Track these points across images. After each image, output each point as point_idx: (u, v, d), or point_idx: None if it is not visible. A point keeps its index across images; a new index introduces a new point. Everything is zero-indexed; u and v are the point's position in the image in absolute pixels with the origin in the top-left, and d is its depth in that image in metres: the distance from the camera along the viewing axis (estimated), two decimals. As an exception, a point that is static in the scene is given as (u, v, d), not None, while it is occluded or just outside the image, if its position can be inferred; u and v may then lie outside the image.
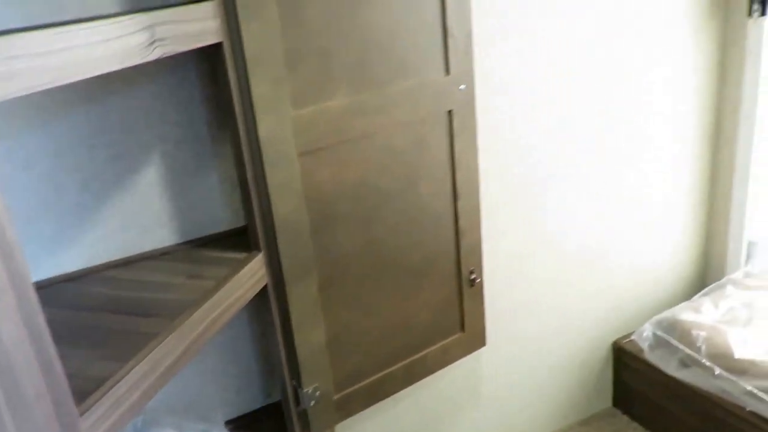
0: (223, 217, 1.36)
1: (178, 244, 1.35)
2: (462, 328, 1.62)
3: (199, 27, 1.06)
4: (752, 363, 1.66)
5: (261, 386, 1.51)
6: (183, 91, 1.25)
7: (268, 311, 1.33)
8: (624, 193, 1.92)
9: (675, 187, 2.04)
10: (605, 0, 1.68)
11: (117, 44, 0.92)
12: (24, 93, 0.77)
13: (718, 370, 1.71)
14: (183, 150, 1.28)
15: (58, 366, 0.74)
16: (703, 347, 1.75)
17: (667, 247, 2.08)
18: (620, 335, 2.04)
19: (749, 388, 1.63)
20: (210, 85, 1.28)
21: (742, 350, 1.70)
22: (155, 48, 0.99)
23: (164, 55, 1.02)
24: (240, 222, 1.39)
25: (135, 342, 1.01)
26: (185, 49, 1.07)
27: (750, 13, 1.85)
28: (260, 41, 1.14)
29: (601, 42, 1.72)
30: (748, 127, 1.96)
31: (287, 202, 1.25)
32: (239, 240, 1.35)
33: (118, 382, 0.92)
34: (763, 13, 1.83)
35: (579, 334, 1.99)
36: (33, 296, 0.68)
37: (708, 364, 1.73)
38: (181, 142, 1.28)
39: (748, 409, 1.62)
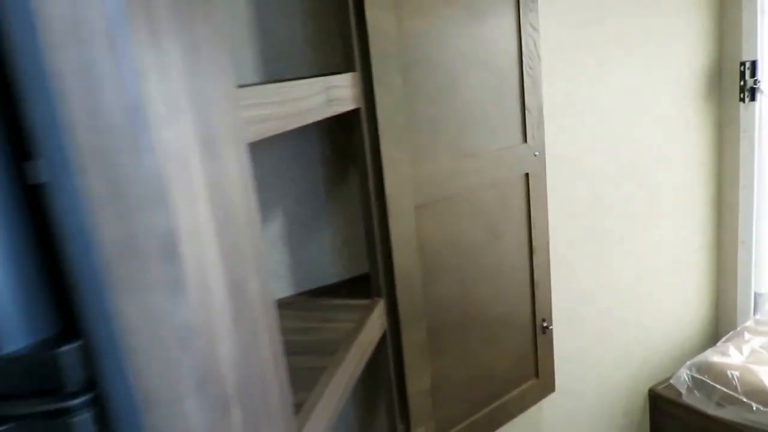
0: (332, 270, 1.44)
1: (295, 295, 1.41)
2: (537, 374, 1.70)
3: (348, 93, 1.19)
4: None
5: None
6: (305, 152, 1.36)
7: (383, 356, 1.39)
8: (647, 254, 2.10)
9: (686, 249, 2.20)
10: (631, 89, 1.92)
11: (315, 100, 1.04)
12: (269, 134, 0.87)
13: (755, 406, 1.84)
14: (302, 206, 1.37)
15: (287, 385, 0.79)
16: (738, 385, 1.88)
17: (684, 302, 2.20)
18: (652, 383, 2.13)
19: (789, 418, 1.77)
20: (329, 146, 1.39)
21: (765, 385, 1.87)
22: (332, 106, 1.12)
23: (335, 113, 1.14)
24: (348, 274, 1.46)
25: (306, 375, 1.06)
26: (344, 110, 1.19)
27: (742, 99, 2.15)
28: (389, 109, 1.27)
29: (627, 125, 1.93)
30: (747, 195, 2.18)
31: (405, 252, 1.34)
32: (355, 289, 1.41)
33: (312, 407, 0.97)
34: (752, 99, 2.13)
35: (618, 384, 2.07)
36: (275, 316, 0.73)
37: (745, 400, 1.83)
38: (302, 199, 1.37)
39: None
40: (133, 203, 0.37)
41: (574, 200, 1.80)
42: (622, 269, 1.98)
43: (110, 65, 0.35)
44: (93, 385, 0.36)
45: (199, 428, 0.43)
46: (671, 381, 2.03)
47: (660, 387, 2.08)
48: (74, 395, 0.36)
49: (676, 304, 2.18)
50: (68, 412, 0.35)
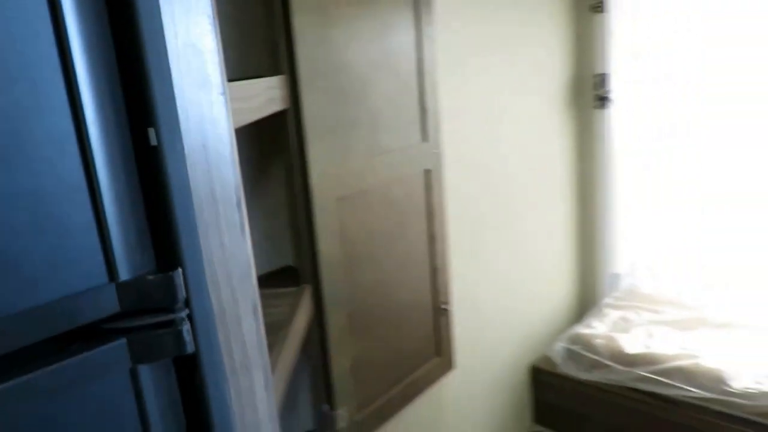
0: (255, 263, 1.51)
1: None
2: (439, 353, 1.86)
3: (278, 94, 1.28)
4: (639, 356, 2.05)
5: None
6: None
7: (310, 340, 1.47)
8: (523, 243, 2.34)
9: (554, 238, 2.49)
10: (508, 96, 2.15)
11: (259, 99, 1.12)
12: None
13: (617, 367, 2.12)
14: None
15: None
16: (603, 351, 2.17)
17: (554, 284, 2.49)
18: (533, 358, 2.38)
19: (642, 373, 2.05)
20: (249, 146, 1.46)
21: (630, 348, 2.13)
22: (271, 106, 1.20)
23: (272, 112, 1.22)
24: (271, 267, 1.52)
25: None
26: (276, 110, 1.27)
27: (596, 106, 2.47)
28: (313, 109, 1.36)
29: (506, 126, 2.16)
30: (603, 193, 2.52)
31: (329, 242, 1.43)
32: (280, 279, 1.48)
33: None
34: (604, 107, 2.46)
35: (504, 361, 2.27)
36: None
37: (609, 363, 2.10)
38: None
39: (643, 389, 2.07)
40: (213, 162, 0.47)
41: (465, 194, 2.00)
42: (502, 257, 2.21)
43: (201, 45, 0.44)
44: (188, 304, 0.45)
45: (253, 345, 0.53)
46: (548, 354, 2.29)
47: (539, 361, 2.34)
48: (178, 311, 0.44)
49: (547, 286, 2.46)
50: (175, 323, 0.44)
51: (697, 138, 2.41)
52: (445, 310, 1.81)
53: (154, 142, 0.43)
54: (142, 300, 0.43)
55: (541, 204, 2.37)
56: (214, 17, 0.47)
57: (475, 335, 2.11)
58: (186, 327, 0.44)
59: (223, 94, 0.48)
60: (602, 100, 2.39)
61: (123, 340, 0.42)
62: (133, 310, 0.43)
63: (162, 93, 0.42)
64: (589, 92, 2.42)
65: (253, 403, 0.52)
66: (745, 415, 1.84)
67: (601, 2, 2.30)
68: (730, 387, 1.87)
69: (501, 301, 2.22)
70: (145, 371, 0.44)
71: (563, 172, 2.46)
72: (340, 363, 1.48)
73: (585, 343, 2.18)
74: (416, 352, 1.75)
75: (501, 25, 2.06)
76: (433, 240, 1.74)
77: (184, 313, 0.44)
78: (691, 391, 1.92)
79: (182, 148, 0.43)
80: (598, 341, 2.16)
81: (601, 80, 2.38)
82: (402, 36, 1.58)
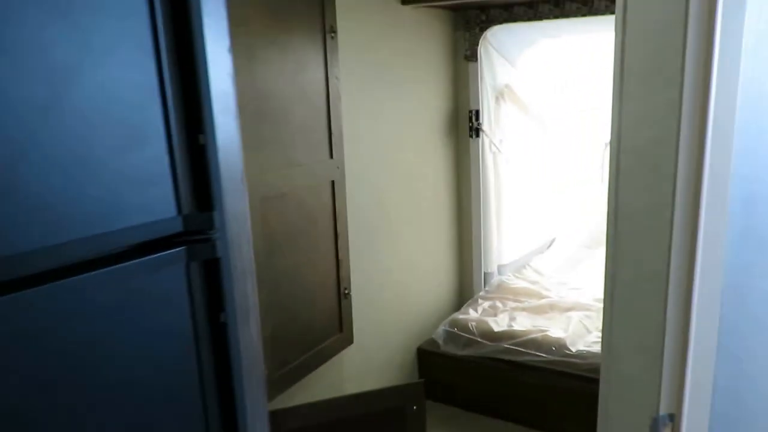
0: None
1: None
2: (341, 329, 2.25)
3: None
4: (502, 333, 2.55)
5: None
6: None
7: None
8: (413, 246, 2.80)
9: (439, 243, 2.98)
10: (400, 124, 2.61)
11: None
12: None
13: (486, 343, 2.61)
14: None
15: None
16: (476, 332, 2.65)
17: (438, 280, 2.96)
18: (420, 341, 2.81)
19: (505, 346, 2.55)
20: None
21: (496, 328, 2.64)
22: None
23: None
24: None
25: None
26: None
27: (470, 135, 2.99)
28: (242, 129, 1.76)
29: (398, 149, 2.62)
30: (477, 203, 3.05)
31: (253, 233, 1.81)
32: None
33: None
34: (477, 136, 2.99)
35: (396, 342, 2.70)
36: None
37: (480, 340, 2.61)
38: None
39: (506, 359, 2.57)
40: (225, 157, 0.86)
41: (365, 202, 2.43)
42: (394, 258, 2.65)
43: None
44: (217, 231, 0.84)
45: (248, 260, 0.91)
46: (432, 336, 2.75)
47: (425, 344, 2.80)
48: (212, 234, 0.83)
49: (432, 282, 2.93)
50: (211, 240, 0.82)
51: (548, 161, 2.99)
52: (347, 294, 2.21)
53: (202, 142, 0.81)
54: (193, 225, 0.81)
55: (426, 214, 2.85)
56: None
57: (372, 319, 2.52)
58: (216, 243, 0.82)
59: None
60: (475, 130, 2.92)
61: (183, 248, 0.80)
62: (188, 231, 0.81)
63: (207, 113, 0.81)
64: (464, 124, 2.94)
65: (246, 295, 0.90)
66: (579, 372, 2.37)
67: (473, 53, 2.83)
68: (569, 351, 2.40)
69: (393, 293, 2.66)
70: (193, 266, 0.81)
71: (444, 189, 2.95)
72: (261, 331, 1.85)
73: (461, 326, 2.66)
74: (322, 327, 2.14)
75: (394, 68, 2.52)
76: (338, 237, 2.15)
77: (215, 235, 0.83)
78: (541, 356, 2.43)
79: (216, 149, 0.82)
80: (472, 324, 2.64)
81: (474, 114, 2.90)
82: (315, 74, 1.99)
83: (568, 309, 2.73)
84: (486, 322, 2.64)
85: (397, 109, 2.56)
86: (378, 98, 2.44)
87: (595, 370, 2.37)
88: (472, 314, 2.75)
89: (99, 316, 0.73)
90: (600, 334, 2.40)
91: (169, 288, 0.81)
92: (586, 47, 3.28)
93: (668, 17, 1.11)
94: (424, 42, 2.71)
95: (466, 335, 2.62)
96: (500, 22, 2.79)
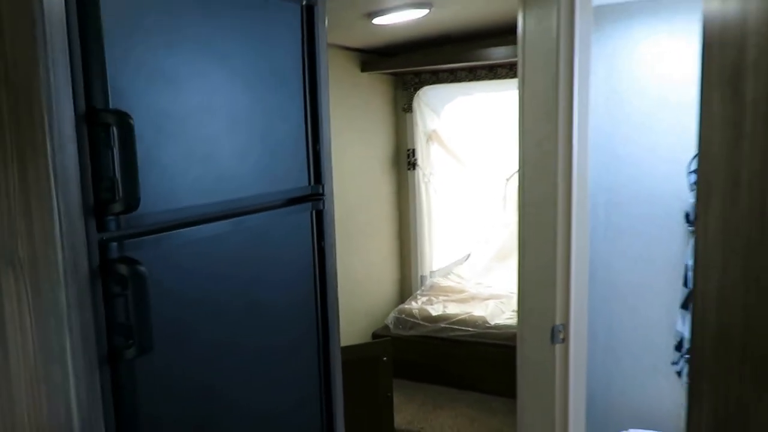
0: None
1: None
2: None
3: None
4: (438, 316, 3.27)
5: None
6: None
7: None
8: (370, 255, 3.48)
9: (387, 253, 3.69)
10: (355, 161, 3.34)
11: None
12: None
13: (426, 324, 3.31)
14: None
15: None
16: (418, 316, 3.35)
17: (388, 281, 3.68)
18: (375, 328, 3.47)
19: (441, 326, 3.27)
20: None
21: (434, 312, 3.35)
22: None
23: None
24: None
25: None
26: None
27: (408, 169, 3.75)
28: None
29: (353, 181, 3.33)
30: (414, 223, 3.80)
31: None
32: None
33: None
34: (413, 169, 3.75)
35: (359, 328, 3.33)
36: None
37: (421, 322, 3.31)
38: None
39: (441, 336, 3.26)
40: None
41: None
42: (355, 262, 3.33)
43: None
44: (323, 195, 1.52)
45: (332, 218, 1.58)
46: (385, 322, 3.42)
47: (380, 329, 3.46)
48: (321, 196, 1.50)
49: (381, 282, 3.61)
50: (323, 200, 1.50)
51: (466, 190, 3.80)
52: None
53: (318, 149, 1.49)
54: (314, 191, 1.48)
55: (377, 229, 3.56)
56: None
57: (344, 312, 3.16)
58: (323, 201, 1.50)
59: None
60: (412, 165, 3.69)
61: (310, 203, 1.47)
62: (312, 194, 1.48)
63: (322, 136, 1.49)
64: (404, 160, 3.70)
65: (332, 234, 1.57)
66: (497, 341, 3.10)
67: (409, 106, 3.63)
68: (489, 325, 3.15)
69: (353, 291, 3.32)
70: (313, 213, 1.47)
71: (389, 210, 3.68)
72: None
73: (407, 313, 3.35)
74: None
75: (354, 117, 3.26)
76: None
77: (323, 197, 1.51)
78: (468, 330, 3.16)
79: (322, 154, 1.50)
80: (415, 311, 3.34)
81: (411, 152, 3.68)
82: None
83: (486, 299, 3.49)
84: (426, 309, 3.35)
85: (356, 147, 3.28)
86: (343, 139, 3.15)
87: (509, 338, 3.13)
88: (414, 305, 3.45)
89: (271, 236, 1.36)
90: (510, 314, 3.18)
91: (302, 223, 1.46)
92: (492, 103, 4.17)
93: (547, 83, 1.90)
94: (375, 98, 3.47)
95: (411, 320, 3.31)
96: (429, 84, 3.60)
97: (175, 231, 1.08)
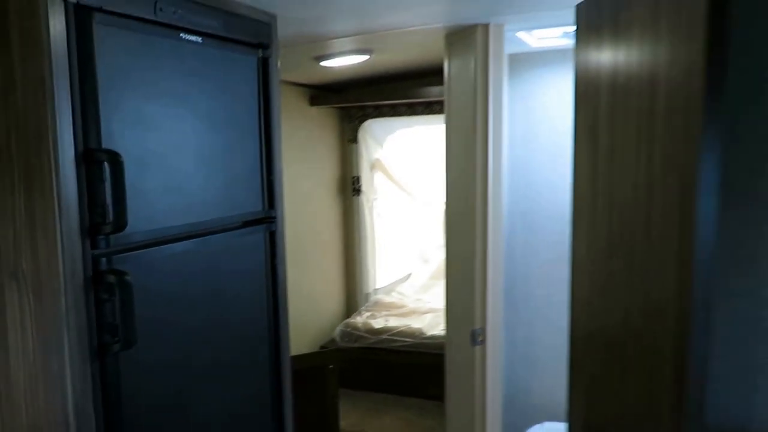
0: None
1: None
2: (275, 323, 3.06)
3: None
4: (380, 329, 3.48)
5: None
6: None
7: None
8: (319, 275, 3.68)
9: (335, 272, 3.91)
10: (305, 187, 3.56)
11: None
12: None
13: (369, 337, 3.53)
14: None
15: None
16: (362, 329, 3.57)
17: (335, 298, 3.89)
18: (323, 341, 3.66)
19: (382, 337, 3.49)
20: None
21: (377, 326, 3.57)
22: None
23: None
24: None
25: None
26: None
27: (354, 194, 4.00)
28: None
29: (304, 206, 3.55)
30: (359, 244, 4.03)
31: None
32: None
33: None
34: (358, 195, 4.00)
35: (306, 341, 3.51)
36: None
37: (365, 335, 3.53)
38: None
39: (383, 347, 3.48)
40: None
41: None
42: (305, 280, 3.53)
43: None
44: (275, 218, 1.75)
45: (283, 244, 1.81)
46: (332, 336, 3.62)
47: (327, 342, 3.65)
48: (272, 218, 1.72)
49: (329, 298, 3.82)
50: (274, 221, 1.72)
51: (406, 214, 4.08)
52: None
53: (271, 179, 1.72)
54: (267, 214, 1.70)
55: (324, 250, 3.77)
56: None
57: (294, 326, 3.36)
58: (275, 223, 1.72)
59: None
60: (357, 191, 3.94)
61: (264, 225, 1.68)
62: (265, 217, 1.70)
63: (275, 167, 1.72)
64: (349, 186, 3.95)
65: (284, 253, 1.79)
66: (433, 351, 3.34)
67: (354, 137, 3.89)
68: (425, 336, 3.40)
69: (303, 306, 3.51)
70: (266, 234, 1.69)
71: (336, 232, 3.91)
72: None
73: (353, 326, 3.57)
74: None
75: (305, 148, 3.49)
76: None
77: (275, 220, 1.73)
78: (407, 341, 3.40)
79: (275, 182, 1.73)
80: (359, 324, 3.56)
81: (356, 180, 3.93)
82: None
83: (425, 312, 3.74)
84: (369, 323, 3.58)
85: (305, 175, 3.51)
86: (294, 168, 3.37)
87: (443, 347, 3.38)
88: (359, 319, 3.67)
89: (231, 253, 1.57)
90: (445, 326, 3.43)
91: (258, 242, 1.67)
92: (429, 135, 4.48)
93: (467, 121, 2.19)
94: (323, 130, 3.72)
95: (356, 332, 3.53)
96: (372, 117, 3.88)
97: (153, 248, 1.28)
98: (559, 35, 2.28)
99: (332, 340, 3.60)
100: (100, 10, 1.14)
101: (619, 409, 1.26)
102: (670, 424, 1.05)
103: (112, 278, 1.16)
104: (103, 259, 1.16)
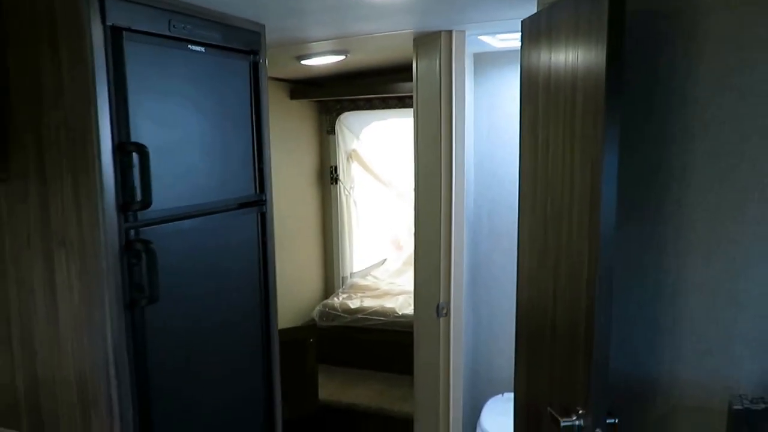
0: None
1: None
2: (259, 302, 3.36)
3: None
4: (358, 308, 3.77)
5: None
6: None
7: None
8: (301, 258, 3.99)
9: (314, 256, 4.21)
10: (288, 176, 3.85)
11: None
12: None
13: (346, 315, 3.86)
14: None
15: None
16: (339, 309, 3.89)
17: (315, 281, 4.21)
18: (302, 321, 3.97)
19: (358, 317, 3.81)
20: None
21: (353, 306, 3.89)
22: None
23: None
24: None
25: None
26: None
27: (331, 183, 4.31)
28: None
29: (286, 192, 3.85)
30: (336, 230, 4.34)
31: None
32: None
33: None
34: (336, 183, 4.31)
35: (289, 320, 3.84)
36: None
37: (342, 314, 3.85)
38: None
39: (359, 326, 3.81)
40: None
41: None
42: (286, 264, 3.83)
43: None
44: (265, 201, 2.06)
45: (272, 224, 2.12)
46: (311, 316, 3.94)
47: (307, 321, 3.97)
48: (263, 201, 2.03)
49: (307, 281, 4.13)
50: (265, 204, 2.04)
51: (381, 202, 4.40)
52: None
53: (261, 166, 2.02)
54: (258, 197, 2.01)
55: (304, 236, 4.08)
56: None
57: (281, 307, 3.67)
58: (265, 205, 2.03)
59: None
60: (335, 180, 4.25)
61: (256, 207, 1.99)
62: (257, 200, 2.01)
63: (264, 155, 2.02)
64: (327, 175, 4.26)
65: (273, 232, 2.10)
66: (405, 329, 3.67)
67: (332, 129, 4.19)
68: (398, 315, 3.73)
69: (283, 287, 3.80)
70: (258, 215, 2.00)
71: (315, 219, 4.21)
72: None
73: (331, 306, 3.89)
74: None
75: (286, 139, 3.78)
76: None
77: (265, 203, 2.03)
78: (381, 320, 3.73)
79: (265, 168, 2.03)
80: (337, 305, 3.89)
81: (333, 169, 4.24)
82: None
83: (397, 294, 4.08)
84: (346, 303, 3.90)
85: (286, 165, 3.80)
86: (275, 157, 3.66)
87: (413, 325, 3.72)
88: (336, 300, 3.99)
89: (229, 230, 1.87)
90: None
91: (251, 222, 1.98)
92: (403, 127, 4.80)
93: (433, 117, 2.51)
94: (302, 122, 4.02)
95: (334, 312, 3.85)
96: (349, 110, 4.18)
97: (168, 223, 1.58)
98: (520, 38, 2.61)
99: (311, 320, 3.91)
100: (129, 29, 1.43)
101: (550, 372, 1.59)
102: (585, 374, 1.36)
103: (139, 246, 1.46)
104: (132, 231, 1.46)
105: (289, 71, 3.48)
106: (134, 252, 1.45)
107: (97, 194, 1.37)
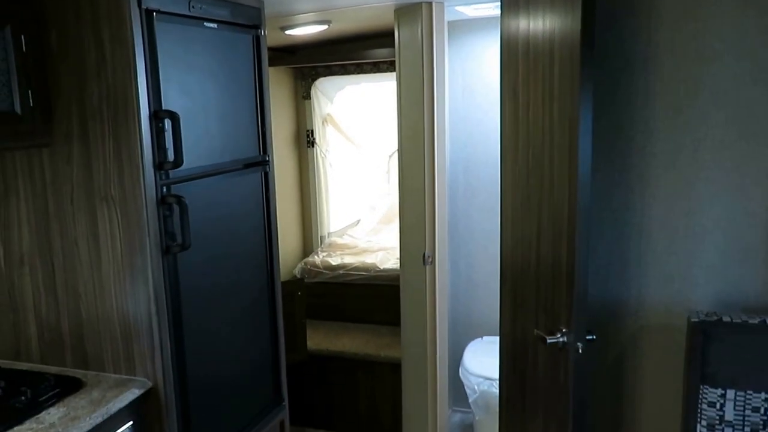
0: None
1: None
2: (247, 260, 3.57)
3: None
4: (338, 265, 4.03)
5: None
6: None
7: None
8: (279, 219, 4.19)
9: (292, 218, 4.42)
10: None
11: None
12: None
13: (326, 272, 4.10)
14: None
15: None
16: (321, 265, 4.12)
17: (295, 239, 4.42)
18: (285, 278, 4.19)
19: (339, 272, 4.06)
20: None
21: (334, 262, 4.14)
22: None
23: None
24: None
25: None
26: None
27: (308, 146, 4.49)
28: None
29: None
30: (314, 191, 4.55)
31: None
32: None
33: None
34: (312, 146, 4.49)
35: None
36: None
37: (323, 270, 4.08)
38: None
39: (340, 281, 4.06)
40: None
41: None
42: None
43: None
44: (268, 162, 2.27)
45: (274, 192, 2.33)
46: (293, 273, 4.17)
47: (289, 278, 4.20)
48: (268, 162, 2.24)
49: (288, 241, 4.35)
50: (268, 164, 2.24)
51: (356, 164, 4.62)
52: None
53: (264, 129, 2.22)
54: (262, 158, 2.21)
55: (282, 197, 4.26)
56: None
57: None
58: (268, 165, 2.23)
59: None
60: (311, 143, 4.44)
61: (261, 167, 2.19)
62: (261, 160, 2.21)
63: (267, 120, 2.22)
64: (304, 139, 4.44)
65: (275, 189, 2.31)
66: (386, 282, 3.94)
67: (308, 94, 4.36)
68: (379, 269, 3.99)
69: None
70: (262, 174, 2.21)
71: (293, 181, 4.41)
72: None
73: (312, 263, 4.12)
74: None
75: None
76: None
77: (268, 163, 2.24)
78: (362, 274, 3.99)
79: (267, 131, 2.23)
80: (318, 262, 4.12)
81: (310, 133, 4.42)
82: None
83: (376, 251, 4.34)
84: (327, 261, 4.14)
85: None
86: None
87: (394, 279, 3.99)
88: (316, 258, 4.23)
89: (240, 187, 2.09)
90: (395, 261, 4.04)
91: (256, 180, 2.19)
92: (376, 91, 4.99)
93: (415, 81, 2.74)
94: (280, 88, 4.17)
95: (316, 269, 4.09)
96: (324, 76, 4.34)
97: (193, 181, 1.80)
98: (493, 7, 2.84)
99: (293, 277, 4.14)
100: (159, 11, 1.61)
101: (536, 299, 1.87)
102: (567, 298, 1.63)
103: (172, 200, 1.67)
104: (164, 188, 1.67)
105: (270, 41, 3.62)
106: (167, 206, 1.66)
107: (139, 155, 1.57)
